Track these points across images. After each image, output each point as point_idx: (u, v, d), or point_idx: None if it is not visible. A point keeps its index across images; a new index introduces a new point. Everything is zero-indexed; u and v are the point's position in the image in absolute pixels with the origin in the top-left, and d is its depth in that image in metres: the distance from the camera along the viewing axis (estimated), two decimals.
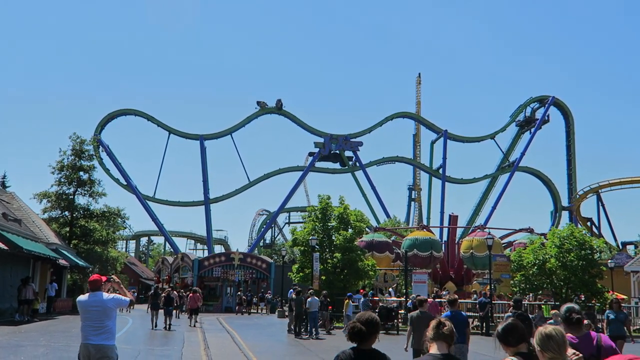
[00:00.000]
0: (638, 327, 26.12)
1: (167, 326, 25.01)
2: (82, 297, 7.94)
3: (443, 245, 41.69)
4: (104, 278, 8.26)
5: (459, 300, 16.54)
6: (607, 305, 14.76)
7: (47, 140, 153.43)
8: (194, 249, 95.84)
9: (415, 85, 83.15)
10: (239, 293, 44.45)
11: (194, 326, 26.66)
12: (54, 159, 43.59)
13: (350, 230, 33.02)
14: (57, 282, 34.45)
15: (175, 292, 32.58)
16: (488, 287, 29.71)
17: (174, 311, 29.88)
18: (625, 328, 14.10)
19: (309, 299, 23.22)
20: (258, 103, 69.03)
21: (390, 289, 34.73)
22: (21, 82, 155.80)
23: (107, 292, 8.06)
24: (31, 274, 30.55)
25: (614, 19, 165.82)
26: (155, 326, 24.99)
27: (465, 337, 10.36)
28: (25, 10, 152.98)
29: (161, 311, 26.08)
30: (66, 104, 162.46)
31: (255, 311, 44.79)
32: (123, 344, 18.56)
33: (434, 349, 4.19)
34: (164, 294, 27.00)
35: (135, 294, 46.50)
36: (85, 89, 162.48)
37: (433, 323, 4.29)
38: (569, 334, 4.76)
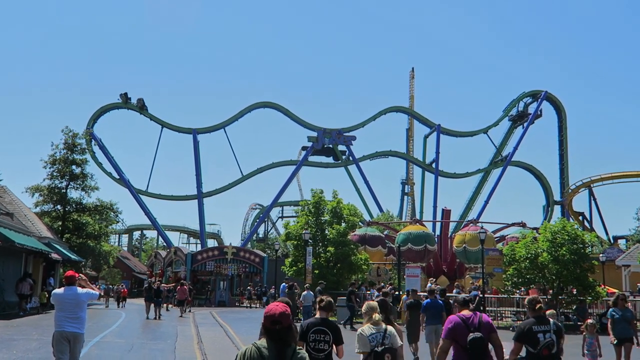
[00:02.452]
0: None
1: (157, 316, 27.67)
2: (58, 291, 9.01)
3: (436, 239, 41.78)
4: (77, 275, 9.29)
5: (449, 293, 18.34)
6: (611, 303, 12.44)
7: (39, 134, 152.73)
8: (187, 243, 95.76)
9: (409, 80, 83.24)
10: (248, 287, 45.32)
11: (182, 316, 29.40)
12: (46, 152, 43.38)
13: (343, 225, 33.04)
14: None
15: (164, 285, 34.68)
16: (481, 281, 29.87)
17: (164, 304, 31.95)
18: (632, 328, 11.82)
19: (303, 293, 23.30)
20: (120, 96, 66.06)
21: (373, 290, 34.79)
22: (12, 74, 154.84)
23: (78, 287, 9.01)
24: (23, 268, 30.44)
25: (606, 14, 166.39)
26: (149, 317, 27.65)
27: (441, 319, 12.39)
28: (15, 2, 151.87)
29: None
30: (58, 98, 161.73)
31: (249, 306, 44.82)
32: (116, 337, 18.58)
33: (317, 315, 6.64)
34: (154, 287, 29.20)
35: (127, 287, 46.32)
36: (78, 82, 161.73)
37: (317, 299, 6.44)
38: (463, 312, 6.63)
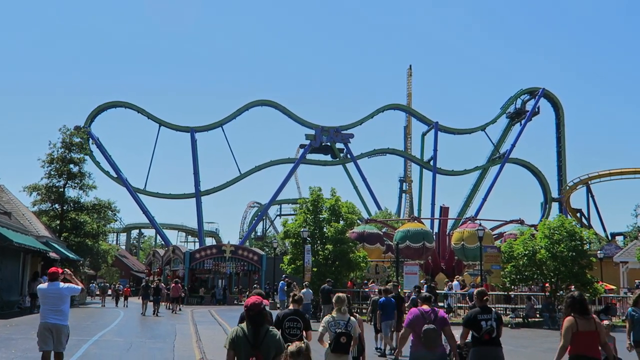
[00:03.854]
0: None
1: (155, 312, 29.20)
2: (42, 286, 9.81)
3: (434, 236, 41.79)
4: (60, 270, 10.15)
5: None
6: (632, 302, 11.49)
7: (36, 133, 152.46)
8: (185, 242, 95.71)
9: (407, 77, 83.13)
10: (255, 285, 45.18)
11: (176, 312, 31.46)
12: (43, 151, 43.26)
13: (341, 222, 33.01)
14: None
15: (162, 284, 35.72)
16: (479, 278, 29.89)
17: (162, 302, 33.16)
18: None
19: (302, 291, 23.32)
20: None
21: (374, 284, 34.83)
22: (9, 73, 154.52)
23: (63, 282, 9.79)
24: (21, 267, 30.42)
25: (603, 12, 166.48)
26: (144, 313, 29.03)
27: (393, 315, 14.39)
28: (13, 1, 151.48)
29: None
30: (56, 97, 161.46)
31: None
32: (115, 336, 18.58)
33: (291, 307, 7.90)
34: (153, 286, 31.21)
35: (125, 287, 46.31)
36: (75, 81, 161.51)
37: (292, 294, 8.28)
38: (424, 307, 7.73)
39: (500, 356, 7.79)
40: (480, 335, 7.67)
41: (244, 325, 5.56)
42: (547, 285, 27.36)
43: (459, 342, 7.94)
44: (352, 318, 7.85)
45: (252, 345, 5.43)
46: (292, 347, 5.04)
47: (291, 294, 8.54)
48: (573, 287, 26.22)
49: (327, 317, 7.89)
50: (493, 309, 8.06)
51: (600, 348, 7.10)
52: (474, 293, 8.49)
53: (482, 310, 7.80)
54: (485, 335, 7.63)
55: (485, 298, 8.06)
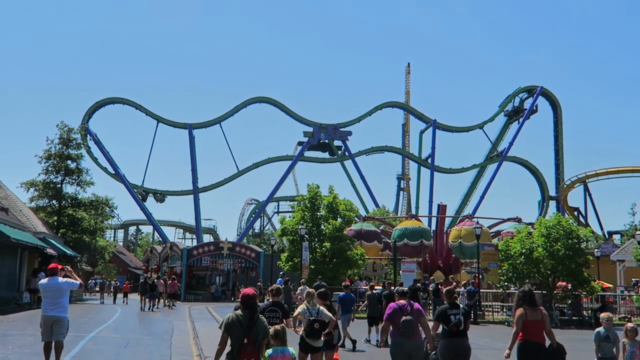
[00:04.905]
0: (623, 315, 26.44)
1: (152, 307, 30.63)
2: (43, 281, 10.59)
3: (432, 234, 41.83)
4: (60, 266, 10.93)
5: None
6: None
7: (34, 129, 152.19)
8: (182, 238, 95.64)
9: (405, 75, 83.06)
10: (258, 284, 45.00)
11: (171, 307, 32.98)
12: (41, 147, 43.19)
13: (339, 220, 33.06)
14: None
15: (161, 280, 35.92)
16: (476, 276, 29.93)
17: (159, 299, 34.04)
18: None
19: (300, 288, 23.38)
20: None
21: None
22: (7, 70, 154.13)
23: (62, 277, 10.56)
24: (19, 263, 30.39)
25: (601, 10, 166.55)
26: (143, 309, 30.27)
27: (352, 308, 16.19)
28: None
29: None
30: (54, 93, 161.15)
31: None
32: (112, 332, 18.57)
33: (270, 300, 8.80)
34: (149, 282, 32.37)
35: (121, 283, 46.33)
36: (73, 78, 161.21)
37: (270, 288, 9.22)
38: (400, 301, 8.59)
39: (467, 346, 8.63)
40: (449, 328, 8.52)
41: (238, 312, 6.56)
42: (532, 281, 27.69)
43: (432, 333, 8.80)
44: (321, 307, 9.12)
45: (244, 330, 6.41)
46: (271, 330, 6.52)
47: (269, 288, 9.55)
48: (564, 284, 26.41)
49: (302, 306, 9.21)
50: (461, 305, 8.92)
51: (545, 335, 8.25)
52: (444, 292, 9.39)
53: (451, 306, 8.69)
54: (453, 327, 8.50)
55: (454, 296, 9.02)
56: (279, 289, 9.10)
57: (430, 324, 8.84)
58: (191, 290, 45.33)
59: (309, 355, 8.94)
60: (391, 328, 8.54)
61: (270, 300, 8.86)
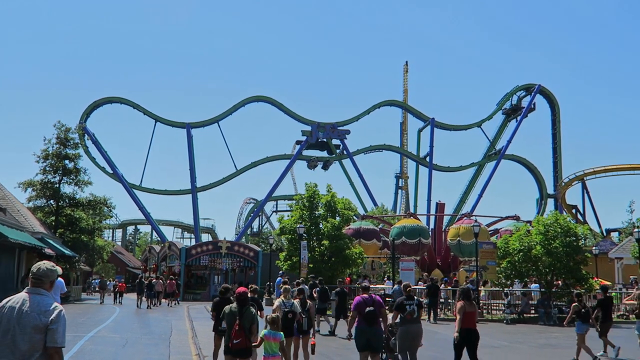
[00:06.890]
0: (621, 312, 26.45)
1: (149, 306, 32.29)
2: None
3: (430, 232, 41.85)
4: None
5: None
6: None
7: (31, 129, 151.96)
8: (181, 238, 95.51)
9: (403, 74, 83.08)
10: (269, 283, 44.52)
11: (171, 306, 34.19)
12: (38, 147, 43.14)
13: (337, 218, 33.02)
14: None
15: (160, 280, 36.34)
16: (475, 274, 29.94)
17: (157, 298, 34.94)
18: None
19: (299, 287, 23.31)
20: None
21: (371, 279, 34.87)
22: (5, 69, 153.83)
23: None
24: (17, 263, 30.32)
25: (600, 7, 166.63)
26: (139, 306, 32.13)
27: (328, 299, 20.35)
28: None
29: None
30: (51, 93, 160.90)
31: None
32: (111, 332, 18.56)
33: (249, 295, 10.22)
34: (147, 282, 33.87)
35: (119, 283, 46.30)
36: (71, 77, 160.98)
37: (249, 286, 12.65)
38: (364, 295, 10.07)
39: (420, 331, 10.63)
40: (405, 316, 10.54)
41: (234, 305, 8.65)
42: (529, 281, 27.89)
43: (390, 322, 10.72)
44: (294, 301, 11.23)
45: (235, 317, 8.36)
46: (268, 318, 8.70)
47: (249, 286, 11.75)
48: (561, 282, 26.45)
49: (278, 300, 11.17)
50: (415, 297, 10.99)
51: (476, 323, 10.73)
52: (401, 286, 11.83)
53: (407, 298, 10.79)
54: (407, 315, 10.51)
55: (408, 289, 11.17)
56: (256, 288, 11.85)
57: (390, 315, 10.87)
58: (190, 289, 45.30)
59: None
60: (357, 318, 10.10)
61: (250, 295, 10.43)
